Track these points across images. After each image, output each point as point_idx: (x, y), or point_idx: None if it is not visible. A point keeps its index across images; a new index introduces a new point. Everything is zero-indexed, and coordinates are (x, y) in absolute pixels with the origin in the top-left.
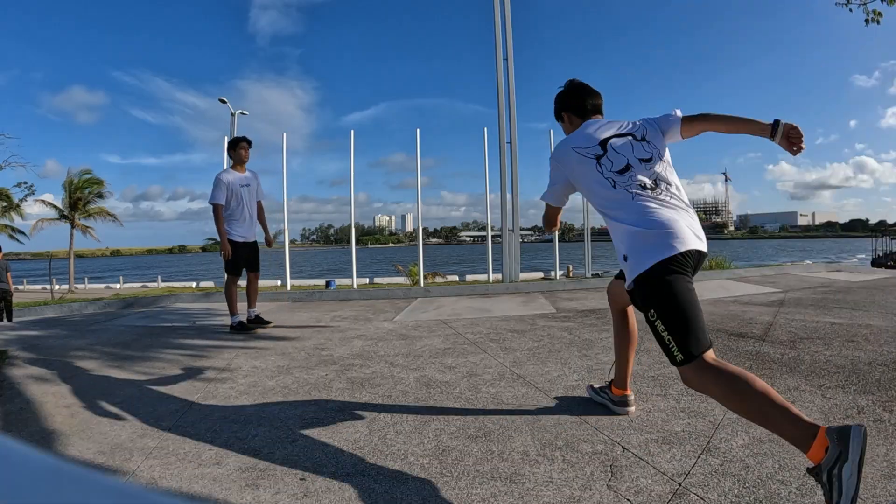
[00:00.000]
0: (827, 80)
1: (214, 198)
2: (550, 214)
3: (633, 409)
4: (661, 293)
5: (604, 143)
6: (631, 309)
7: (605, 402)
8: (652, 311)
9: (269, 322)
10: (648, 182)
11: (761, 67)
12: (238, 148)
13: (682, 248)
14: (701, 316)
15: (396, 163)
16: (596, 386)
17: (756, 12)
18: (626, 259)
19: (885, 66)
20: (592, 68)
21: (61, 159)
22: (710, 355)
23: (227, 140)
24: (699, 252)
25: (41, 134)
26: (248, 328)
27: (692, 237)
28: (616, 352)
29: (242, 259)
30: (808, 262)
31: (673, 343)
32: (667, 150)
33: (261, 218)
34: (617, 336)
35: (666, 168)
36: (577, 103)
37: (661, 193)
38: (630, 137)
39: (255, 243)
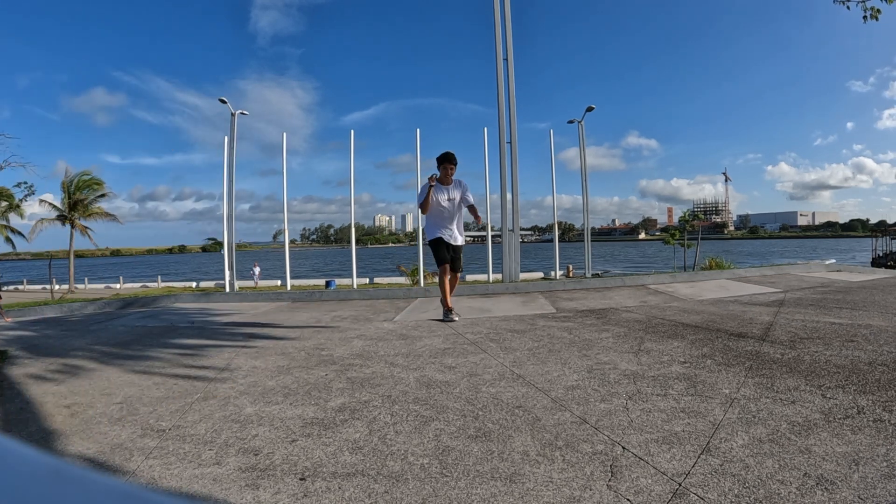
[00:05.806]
0: (824, 85)
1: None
2: None
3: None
4: None
5: None
6: None
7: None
8: None
9: None
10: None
11: (761, 72)
12: None
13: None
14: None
15: (403, 164)
16: None
17: (757, 16)
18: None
19: (881, 72)
20: (593, 69)
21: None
22: None
23: (226, 139)
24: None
25: (51, 135)
26: None
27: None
28: None
29: None
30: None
31: None
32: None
33: None
34: None
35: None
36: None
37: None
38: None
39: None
